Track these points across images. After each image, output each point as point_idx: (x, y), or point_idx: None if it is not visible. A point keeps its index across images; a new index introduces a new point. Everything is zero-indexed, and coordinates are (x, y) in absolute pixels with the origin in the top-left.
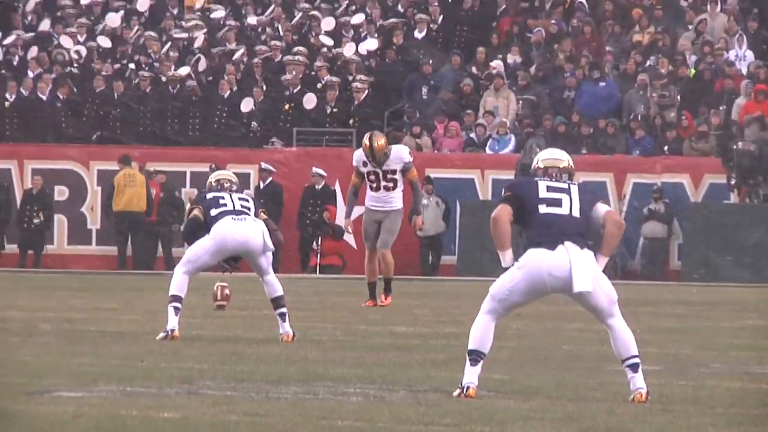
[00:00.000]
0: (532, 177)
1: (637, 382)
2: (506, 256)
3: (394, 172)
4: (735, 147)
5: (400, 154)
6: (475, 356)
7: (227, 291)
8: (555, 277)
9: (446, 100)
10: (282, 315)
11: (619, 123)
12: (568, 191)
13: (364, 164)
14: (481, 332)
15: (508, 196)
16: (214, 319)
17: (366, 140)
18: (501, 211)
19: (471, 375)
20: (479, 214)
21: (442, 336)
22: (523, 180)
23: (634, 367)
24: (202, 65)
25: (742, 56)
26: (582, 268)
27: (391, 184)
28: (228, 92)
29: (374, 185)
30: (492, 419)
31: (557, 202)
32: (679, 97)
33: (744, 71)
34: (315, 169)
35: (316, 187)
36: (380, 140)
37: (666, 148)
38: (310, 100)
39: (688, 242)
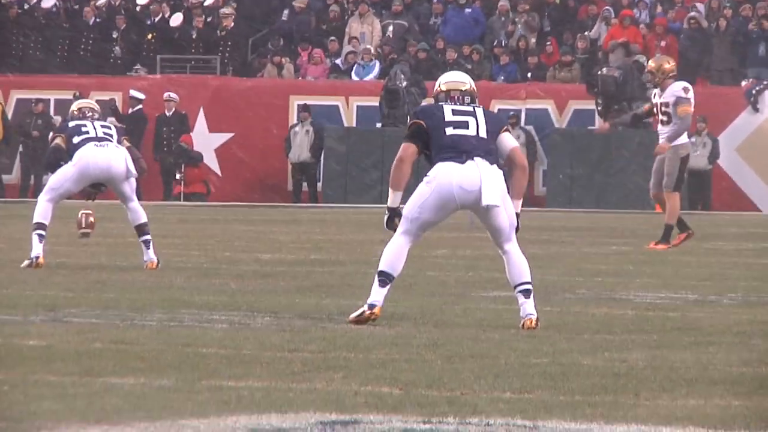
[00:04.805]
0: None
1: (527, 308)
2: (396, 197)
3: (667, 105)
4: (599, 73)
5: (674, 88)
6: (384, 277)
7: (91, 218)
8: (465, 191)
9: (311, 27)
10: (146, 242)
11: (484, 49)
12: (473, 113)
13: (653, 95)
14: (394, 254)
15: (413, 127)
16: (79, 246)
17: (651, 61)
18: (406, 152)
19: (377, 294)
20: (344, 141)
21: (307, 263)
22: (427, 106)
23: (526, 293)
24: None
25: None
26: (491, 182)
27: (665, 118)
28: (92, 20)
29: (657, 118)
30: (357, 346)
31: (464, 124)
32: (545, 23)
33: None
34: (166, 94)
35: (167, 113)
36: (667, 63)
37: (530, 74)
38: (176, 19)
39: (552, 168)
